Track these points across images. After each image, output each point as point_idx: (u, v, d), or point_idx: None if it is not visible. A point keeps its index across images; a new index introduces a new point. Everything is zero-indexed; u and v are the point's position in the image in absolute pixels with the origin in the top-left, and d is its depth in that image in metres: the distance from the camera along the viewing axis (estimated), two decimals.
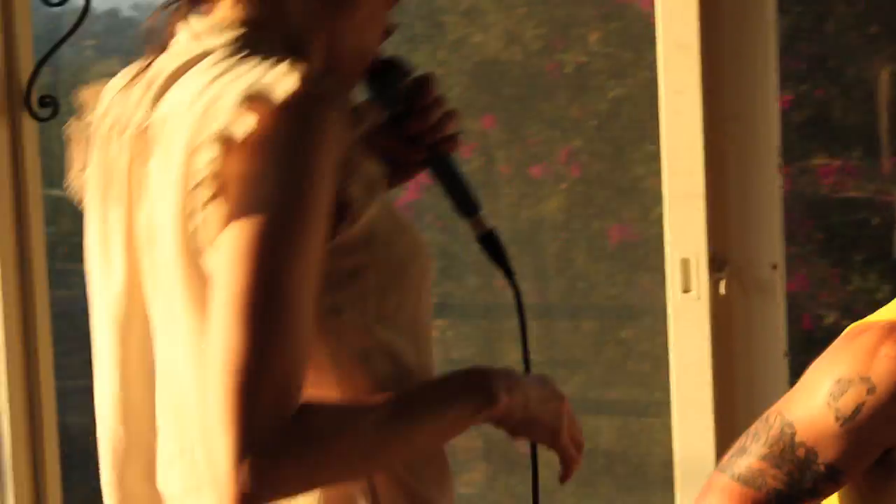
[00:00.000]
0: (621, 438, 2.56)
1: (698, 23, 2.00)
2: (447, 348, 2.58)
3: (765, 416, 1.55)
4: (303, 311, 0.97)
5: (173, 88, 1.07)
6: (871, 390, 1.52)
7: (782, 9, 2.06)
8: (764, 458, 1.53)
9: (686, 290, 2.08)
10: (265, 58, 1.02)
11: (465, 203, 1.13)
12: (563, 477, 1.16)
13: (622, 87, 2.43)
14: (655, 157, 2.04)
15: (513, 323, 1.28)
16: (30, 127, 1.97)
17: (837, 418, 1.51)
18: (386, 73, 1.14)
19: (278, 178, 0.98)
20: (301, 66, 0.99)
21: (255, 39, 1.08)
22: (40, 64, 1.99)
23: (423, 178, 1.27)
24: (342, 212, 1.01)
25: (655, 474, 2.31)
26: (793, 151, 2.27)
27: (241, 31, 1.08)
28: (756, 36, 2.04)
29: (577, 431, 1.14)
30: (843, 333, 1.55)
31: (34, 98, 1.95)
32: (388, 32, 1.15)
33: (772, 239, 2.10)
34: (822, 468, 1.51)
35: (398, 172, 1.16)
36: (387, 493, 1.09)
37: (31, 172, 1.98)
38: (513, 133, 2.52)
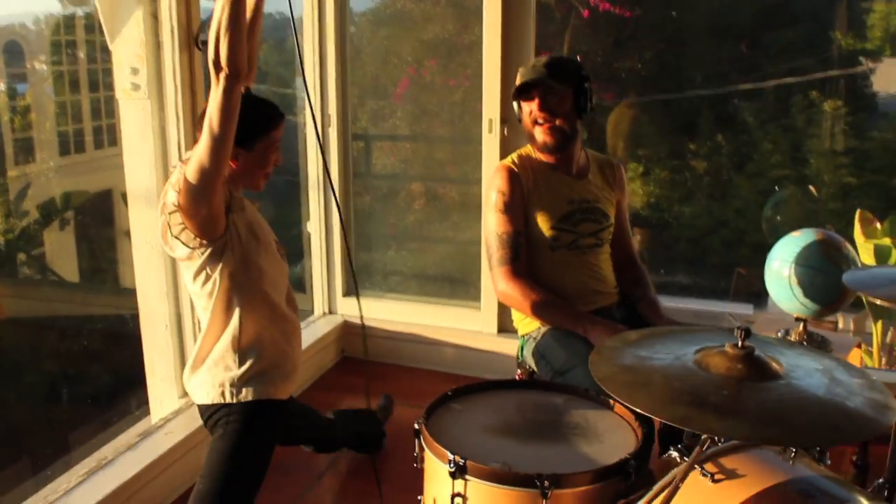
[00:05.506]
0: None
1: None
2: None
3: (485, 237, 2.33)
4: None
5: None
6: (504, 194, 2.35)
7: None
8: (498, 249, 2.30)
9: (490, 132, 3.50)
10: None
11: None
12: None
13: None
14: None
15: None
16: (197, 55, 2.84)
17: (503, 211, 2.36)
18: None
19: None
20: None
21: None
22: (203, 25, 2.79)
23: None
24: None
25: None
26: None
27: None
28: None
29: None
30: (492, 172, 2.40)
31: (199, 40, 2.81)
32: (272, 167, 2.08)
33: None
34: (514, 233, 2.32)
35: None
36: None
37: (199, 77, 2.86)
38: None
